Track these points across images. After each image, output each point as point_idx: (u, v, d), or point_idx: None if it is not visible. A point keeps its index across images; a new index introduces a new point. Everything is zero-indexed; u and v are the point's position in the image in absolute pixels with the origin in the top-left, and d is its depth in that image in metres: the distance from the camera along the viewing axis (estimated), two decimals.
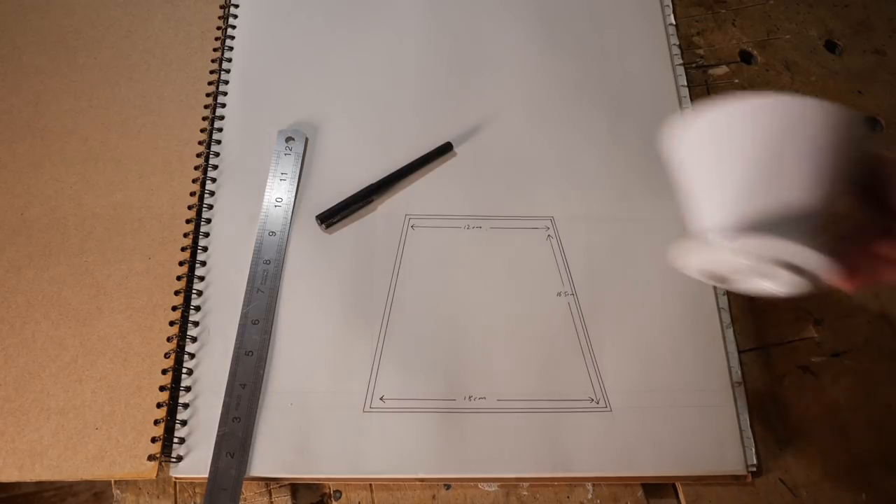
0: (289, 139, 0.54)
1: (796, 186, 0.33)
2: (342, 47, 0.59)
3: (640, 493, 0.45)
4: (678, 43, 0.60)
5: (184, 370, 0.46)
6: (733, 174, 0.35)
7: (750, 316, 0.50)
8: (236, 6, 0.60)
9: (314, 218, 0.51)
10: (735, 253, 0.34)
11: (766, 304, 0.51)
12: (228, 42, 0.59)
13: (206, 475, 0.43)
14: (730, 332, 0.49)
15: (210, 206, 0.52)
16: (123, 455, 0.44)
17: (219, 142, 0.54)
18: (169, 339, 0.47)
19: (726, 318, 0.49)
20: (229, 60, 0.58)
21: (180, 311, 0.48)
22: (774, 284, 0.37)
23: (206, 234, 0.51)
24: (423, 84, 0.57)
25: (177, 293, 0.49)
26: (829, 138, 0.33)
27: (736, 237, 0.33)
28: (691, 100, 0.57)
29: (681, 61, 0.59)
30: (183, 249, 0.50)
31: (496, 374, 0.47)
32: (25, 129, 0.54)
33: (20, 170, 0.53)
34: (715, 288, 0.50)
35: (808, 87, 0.59)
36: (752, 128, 0.34)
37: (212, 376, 0.46)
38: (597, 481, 0.45)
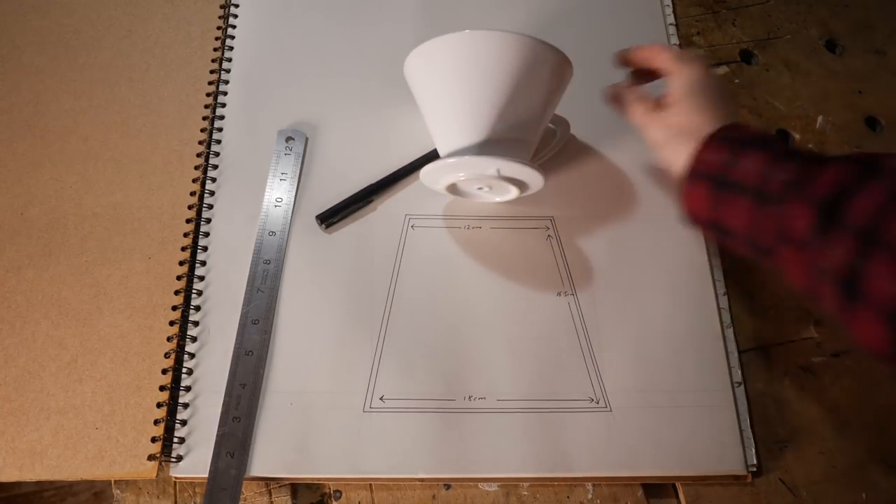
0: (289, 139, 0.54)
1: (497, 112, 0.43)
2: (342, 47, 0.59)
3: (640, 493, 0.45)
4: (678, 43, 0.60)
5: (184, 370, 0.46)
6: (446, 103, 0.45)
7: (750, 316, 0.50)
8: (236, 6, 0.60)
9: (314, 218, 0.51)
10: (459, 171, 0.45)
11: (766, 304, 0.51)
12: (228, 42, 0.59)
13: (206, 475, 0.43)
14: (730, 332, 0.49)
15: (210, 206, 0.52)
16: (123, 455, 0.44)
17: (219, 142, 0.54)
18: (169, 339, 0.47)
19: (726, 318, 0.49)
20: (229, 60, 0.58)
21: (180, 310, 0.48)
22: (497, 195, 0.49)
23: (206, 234, 0.51)
24: None
25: (177, 293, 0.49)
26: (522, 68, 0.43)
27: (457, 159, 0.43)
28: None
29: None
30: (183, 249, 0.50)
31: (496, 374, 0.47)
32: (25, 129, 0.54)
33: (20, 170, 0.53)
34: (715, 288, 0.50)
35: (808, 87, 0.59)
36: (453, 62, 0.44)
37: (212, 376, 0.46)
38: (597, 481, 0.45)
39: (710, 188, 0.38)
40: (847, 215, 0.31)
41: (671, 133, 0.42)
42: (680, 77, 0.43)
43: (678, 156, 0.41)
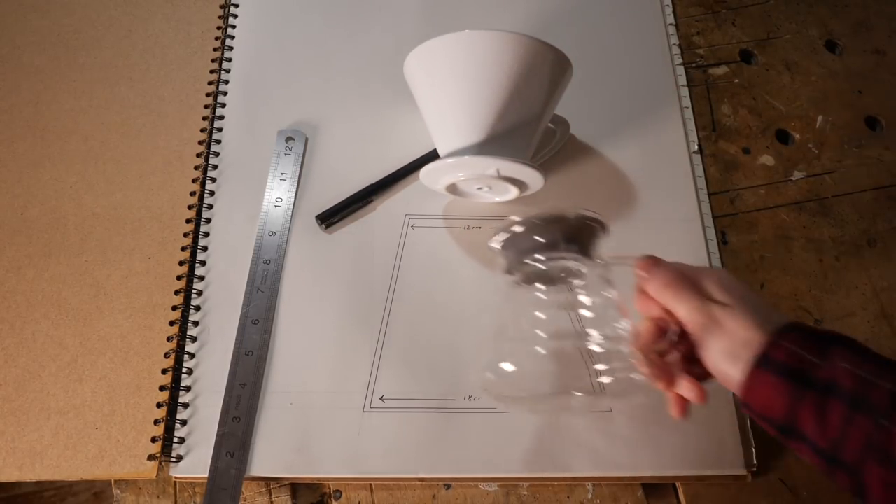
0: (289, 139, 0.54)
1: (496, 112, 0.43)
2: (342, 47, 0.59)
3: (640, 493, 0.45)
4: (678, 43, 0.60)
5: (184, 370, 0.46)
6: (446, 103, 0.45)
7: None
8: (236, 6, 0.60)
9: (314, 218, 0.51)
10: (459, 171, 0.45)
11: None
12: (228, 42, 0.59)
13: (206, 475, 0.43)
14: None
15: (210, 206, 0.52)
16: (123, 455, 0.44)
17: (219, 142, 0.54)
18: (169, 339, 0.47)
19: None
20: (229, 60, 0.58)
21: (180, 310, 0.48)
22: (497, 195, 0.49)
23: (206, 234, 0.51)
24: None
25: (177, 293, 0.49)
26: (522, 67, 0.43)
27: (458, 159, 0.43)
28: (691, 100, 0.57)
29: (681, 61, 0.59)
30: (183, 249, 0.50)
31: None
32: (25, 129, 0.54)
33: (20, 170, 0.53)
34: None
35: (808, 86, 0.59)
36: (453, 62, 0.43)
37: (212, 376, 0.46)
38: (597, 481, 0.45)
39: (785, 382, 0.33)
40: None
41: (737, 341, 0.35)
42: (713, 278, 0.37)
43: (739, 363, 0.34)
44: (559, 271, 0.40)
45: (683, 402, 0.39)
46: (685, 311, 0.37)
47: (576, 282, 0.40)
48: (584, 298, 0.40)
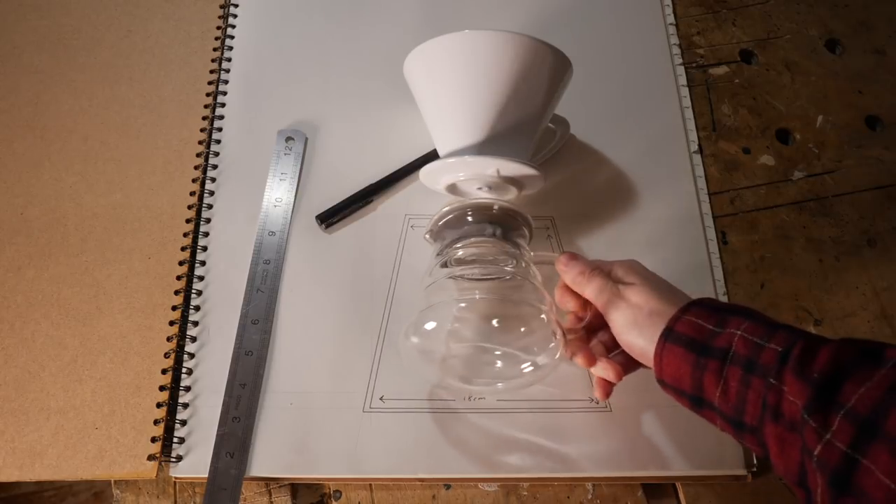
0: (289, 139, 0.54)
1: (496, 112, 0.43)
2: (342, 47, 0.59)
3: (640, 493, 0.45)
4: (678, 43, 0.60)
5: (184, 370, 0.46)
6: (445, 103, 0.45)
7: None
8: (236, 6, 0.60)
9: (314, 218, 0.51)
10: (459, 171, 0.45)
11: (766, 303, 0.50)
12: (228, 42, 0.59)
13: (206, 475, 0.43)
14: None
15: (210, 206, 0.52)
16: (123, 455, 0.44)
17: (219, 142, 0.54)
18: (169, 339, 0.47)
19: None
20: (229, 60, 0.58)
21: (180, 311, 0.48)
22: (497, 195, 0.48)
23: (206, 234, 0.51)
24: None
25: (177, 293, 0.49)
26: (522, 68, 0.43)
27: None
28: (691, 100, 0.57)
29: (681, 61, 0.59)
30: (183, 249, 0.50)
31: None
32: (25, 129, 0.54)
33: (20, 170, 0.53)
34: (715, 288, 0.50)
35: (808, 86, 0.59)
36: (452, 62, 0.43)
37: (212, 376, 0.46)
38: (597, 481, 0.45)
39: (689, 353, 0.36)
40: (846, 399, 0.29)
41: (642, 313, 0.38)
42: (623, 264, 0.41)
43: (652, 334, 0.37)
44: (487, 257, 0.44)
45: (604, 384, 0.43)
46: (593, 291, 0.41)
47: (506, 268, 0.43)
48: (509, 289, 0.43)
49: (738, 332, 0.34)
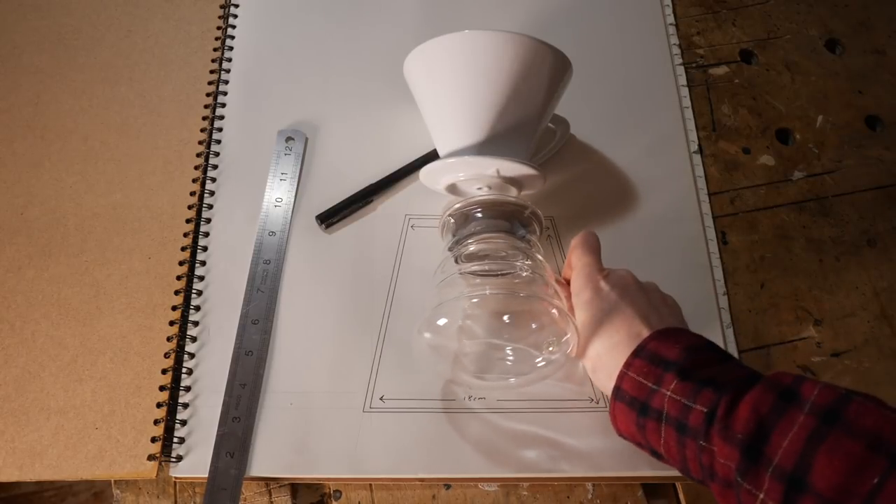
0: (289, 139, 0.54)
1: (496, 112, 0.43)
2: (342, 47, 0.59)
3: (640, 493, 0.45)
4: (678, 43, 0.60)
5: (184, 370, 0.46)
6: (445, 103, 0.45)
7: (750, 316, 0.50)
8: (236, 6, 0.60)
9: (314, 218, 0.51)
10: (459, 171, 0.45)
11: (766, 304, 0.51)
12: (228, 42, 0.59)
13: (206, 475, 0.43)
14: (730, 332, 0.49)
15: (210, 206, 0.52)
16: (123, 455, 0.44)
17: (219, 142, 0.54)
18: (169, 339, 0.47)
19: (726, 318, 0.49)
20: (229, 60, 0.58)
21: (180, 310, 0.48)
22: (497, 195, 0.47)
23: (206, 234, 0.51)
24: None
25: (177, 293, 0.49)
26: (522, 68, 0.43)
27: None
28: (691, 100, 0.57)
29: (681, 61, 0.59)
30: (183, 249, 0.50)
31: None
32: (25, 129, 0.54)
33: (20, 170, 0.53)
34: (715, 288, 0.50)
35: (808, 86, 0.59)
36: (452, 62, 0.43)
37: (212, 376, 0.46)
38: (597, 481, 0.45)
39: (632, 412, 0.37)
40: (773, 454, 0.30)
41: (603, 349, 0.40)
42: (604, 283, 0.42)
43: (608, 375, 0.39)
44: (499, 253, 0.44)
45: None
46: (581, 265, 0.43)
47: (516, 263, 0.44)
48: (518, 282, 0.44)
49: (668, 394, 0.35)
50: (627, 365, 0.38)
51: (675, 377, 0.35)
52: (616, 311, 0.40)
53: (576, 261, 0.44)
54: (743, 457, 0.30)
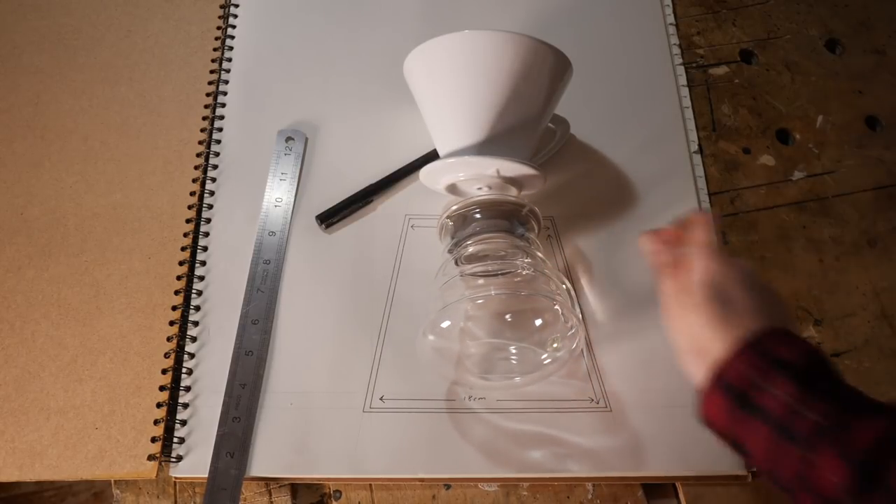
0: (289, 139, 0.54)
1: (496, 112, 0.43)
2: (342, 47, 0.59)
3: (640, 493, 0.45)
4: (678, 43, 0.60)
5: (184, 370, 0.46)
6: (445, 103, 0.45)
7: None
8: (236, 6, 0.60)
9: (314, 218, 0.51)
10: (459, 171, 0.46)
11: None
12: (228, 42, 0.59)
13: (206, 475, 0.43)
14: None
15: (210, 206, 0.52)
16: (123, 455, 0.44)
17: (219, 142, 0.54)
18: (169, 339, 0.47)
19: None
20: (229, 60, 0.58)
21: (180, 311, 0.48)
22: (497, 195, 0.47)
23: (206, 234, 0.51)
24: None
25: (177, 293, 0.49)
26: (522, 68, 0.43)
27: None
28: (691, 100, 0.57)
29: (681, 61, 0.59)
30: (183, 249, 0.50)
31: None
32: (25, 129, 0.54)
33: (20, 170, 0.53)
34: None
35: (808, 86, 0.59)
36: (452, 62, 0.43)
37: (212, 376, 0.46)
38: (597, 481, 0.45)
39: (730, 402, 0.35)
40: (892, 485, 0.28)
41: (695, 345, 0.38)
42: (720, 271, 0.39)
43: (698, 367, 0.37)
44: (498, 253, 0.44)
45: None
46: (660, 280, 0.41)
47: (516, 262, 0.44)
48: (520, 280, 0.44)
49: (778, 394, 0.33)
50: (738, 354, 0.35)
51: (789, 380, 0.34)
52: (736, 297, 0.38)
53: (705, 235, 0.40)
54: (860, 478, 0.29)
